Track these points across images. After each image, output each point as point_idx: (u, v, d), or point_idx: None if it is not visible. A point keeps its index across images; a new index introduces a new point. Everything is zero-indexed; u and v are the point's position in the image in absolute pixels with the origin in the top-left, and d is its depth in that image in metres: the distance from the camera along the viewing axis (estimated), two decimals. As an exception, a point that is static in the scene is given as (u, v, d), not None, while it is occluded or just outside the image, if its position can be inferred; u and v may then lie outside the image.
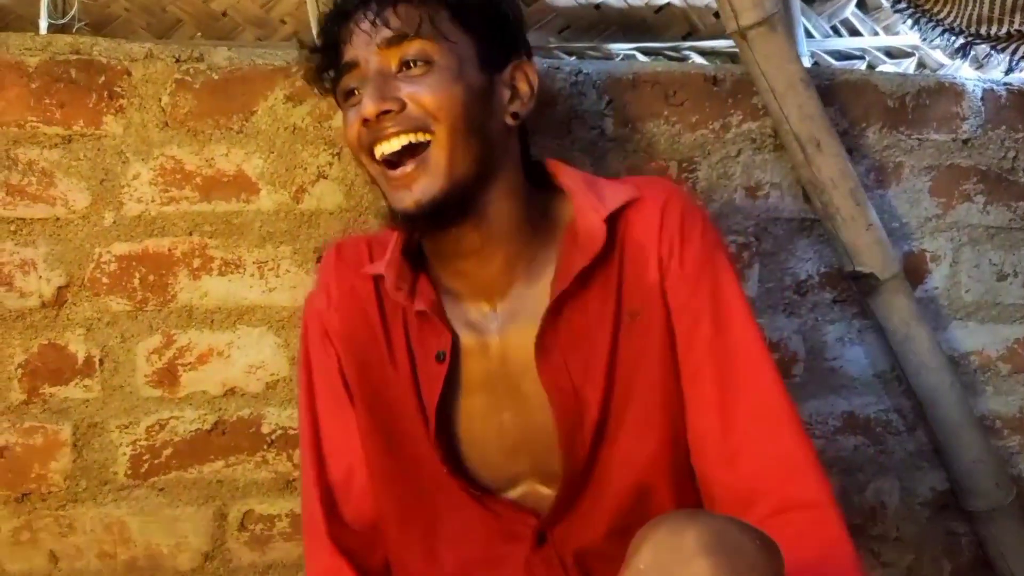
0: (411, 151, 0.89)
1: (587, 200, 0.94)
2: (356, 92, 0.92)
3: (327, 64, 0.98)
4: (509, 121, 0.94)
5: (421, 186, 0.88)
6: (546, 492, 0.96)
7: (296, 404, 1.21)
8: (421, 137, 0.88)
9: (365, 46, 0.91)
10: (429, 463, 0.95)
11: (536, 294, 0.94)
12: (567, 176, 0.97)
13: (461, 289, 0.97)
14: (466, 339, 0.96)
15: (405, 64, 0.90)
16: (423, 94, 0.88)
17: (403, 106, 0.88)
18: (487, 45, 0.93)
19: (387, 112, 0.88)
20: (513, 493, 0.98)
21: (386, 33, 0.90)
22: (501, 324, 0.95)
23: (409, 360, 0.97)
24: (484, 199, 0.92)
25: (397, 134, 0.88)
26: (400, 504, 0.97)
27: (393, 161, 0.90)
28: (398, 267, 0.96)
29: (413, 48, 0.90)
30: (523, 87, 0.96)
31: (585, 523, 0.95)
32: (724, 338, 0.91)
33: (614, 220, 0.93)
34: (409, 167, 0.89)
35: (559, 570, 0.95)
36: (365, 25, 0.90)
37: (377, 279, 0.99)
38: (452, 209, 0.90)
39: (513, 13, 0.98)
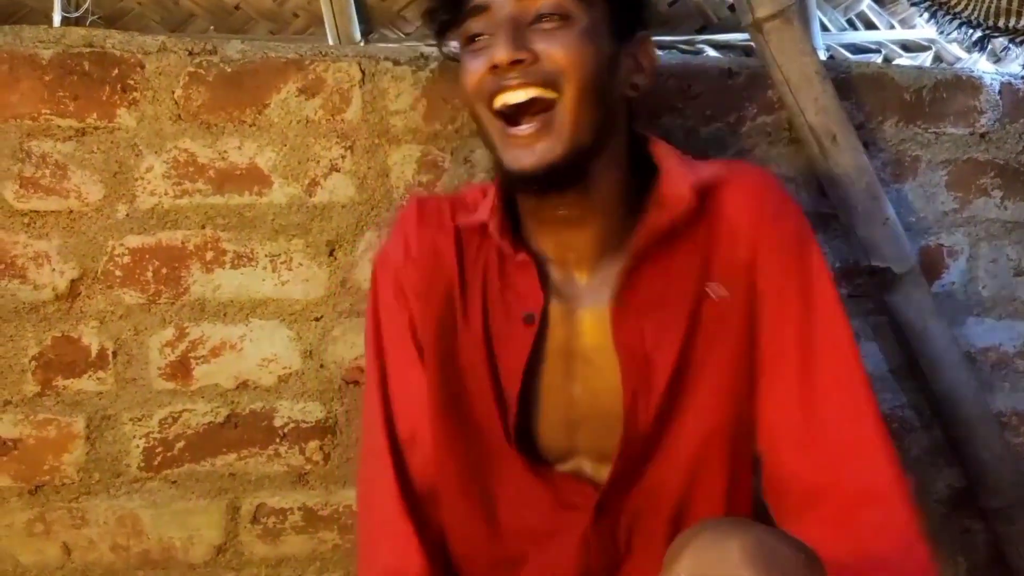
0: (532, 108, 0.87)
1: (676, 170, 0.93)
2: (481, 37, 0.89)
3: (447, 3, 0.94)
4: (629, 92, 0.94)
5: (543, 147, 0.87)
6: (595, 468, 0.96)
7: (309, 397, 1.22)
8: (548, 93, 0.86)
9: None
10: (491, 430, 0.94)
11: (621, 263, 0.93)
12: (664, 151, 0.96)
13: (550, 254, 0.96)
14: (552, 303, 0.95)
15: (540, 16, 0.87)
16: (557, 49, 0.86)
17: (535, 58, 0.86)
18: (620, 13, 0.92)
19: (519, 62, 0.86)
20: (565, 467, 0.97)
21: None
22: (583, 293, 0.95)
23: (483, 319, 0.95)
24: (595, 168, 0.91)
25: (525, 85, 0.86)
26: (462, 469, 0.96)
27: (510, 116, 0.88)
28: (501, 215, 0.95)
29: (552, 0, 0.87)
30: (645, 61, 0.96)
31: (641, 498, 0.94)
32: (812, 324, 0.91)
33: (704, 194, 0.93)
34: (531, 126, 0.87)
35: (611, 543, 0.95)
36: None
37: (460, 236, 0.97)
38: (567, 174, 0.89)
39: None
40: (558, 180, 0.89)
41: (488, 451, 0.95)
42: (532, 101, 0.86)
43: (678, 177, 0.93)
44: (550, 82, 0.86)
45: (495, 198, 0.95)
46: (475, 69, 0.89)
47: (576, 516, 0.94)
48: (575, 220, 0.93)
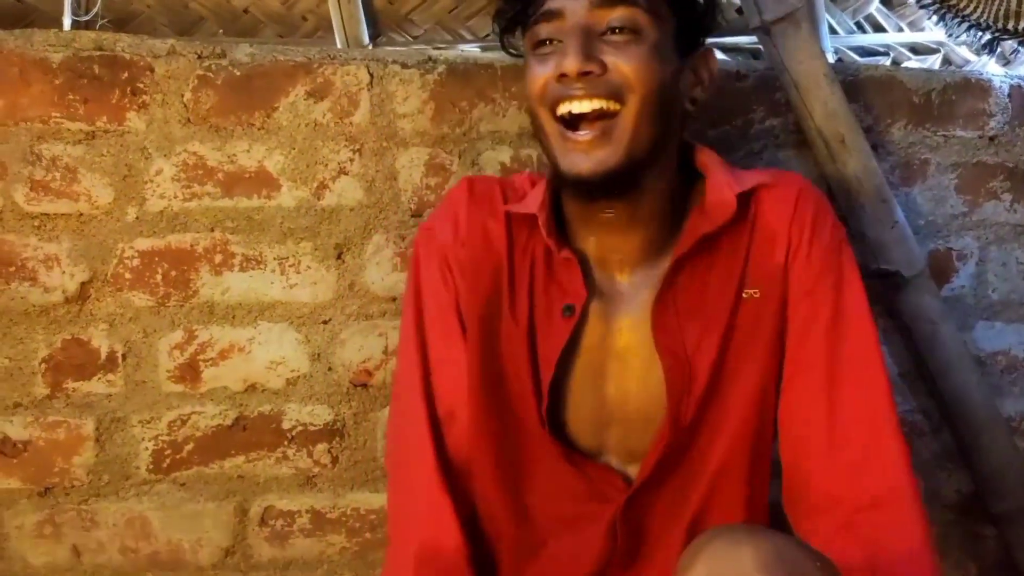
0: (592, 115, 0.88)
1: (722, 177, 0.95)
2: (551, 43, 0.90)
3: (520, 3, 0.94)
4: (688, 106, 0.96)
5: (600, 155, 0.88)
6: (622, 469, 0.97)
7: (316, 400, 1.22)
8: (612, 106, 0.88)
9: (569, 1, 0.89)
10: (528, 416, 0.95)
11: (661, 267, 0.95)
12: (709, 159, 0.98)
13: (593, 254, 0.97)
14: (593, 301, 0.96)
15: (612, 28, 0.88)
16: (626, 63, 0.87)
17: (604, 70, 0.87)
18: (687, 28, 0.93)
19: (588, 73, 0.86)
20: (597, 462, 0.98)
21: None
22: (623, 295, 0.96)
23: (529, 311, 0.96)
24: (647, 177, 0.92)
25: (590, 96, 0.87)
26: (495, 452, 0.96)
27: (570, 121, 0.89)
28: (548, 212, 0.95)
29: (625, 14, 0.88)
30: (705, 74, 0.97)
31: (669, 495, 0.95)
32: (842, 331, 0.93)
33: (746, 200, 0.94)
34: (591, 133, 0.88)
35: (636, 538, 0.96)
36: None
37: (510, 222, 0.98)
38: (621, 182, 0.90)
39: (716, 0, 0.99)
40: (611, 187, 0.90)
41: (523, 436, 0.96)
42: (594, 110, 0.88)
43: (723, 185, 0.94)
44: (615, 94, 0.87)
45: (544, 193, 0.96)
46: (541, 74, 0.90)
47: (605, 508, 0.95)
48: (621, 225, 0.94)
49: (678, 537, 0.94)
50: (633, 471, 0.96)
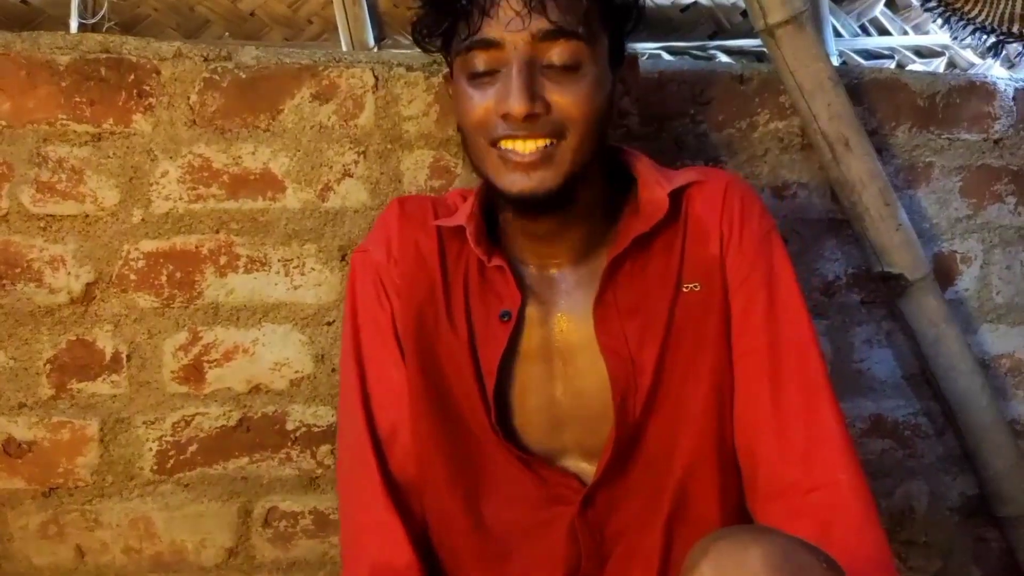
0: None
1: (653, 178, 0.96)
2: (490, 74, 0.88)
3: (443, 18, 0.91)
4: (617, 120, 0.97)
5: (541, 177, 0.88)
6: (585, 467, 0.97)
7: (321, 401, 1.23)
8: (554, 142, 0.88)
9: (513, 29, 0.86)
10: (478, 425, 0.95)
11: (595, 266, 0.96)
12: (638, 160, 0.99)
13: (529, 257, 0.98)
14: (530, 305, 0.96)
15: (553, 64, 0.87)
16: (569, 103, 0.87)
17: (548, 110, 0.87)
18: (618, 42, 0.94)
19: (534, 115, 0.86)
20: (554, 464, 0.98)
21: (544, 25, 0.85)
22: (561, 296, 0.97)
23: (467, 321, 0.96)
24: (580, 189, 0.92)
25: (534, 137, 0.87)
26: (447, 464, 0.97)
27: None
28: (477, 222, 0.96)
29: (567, 49, 0.87)
30: (631, 81, 0.98)
31: (628, 493, 0.95)
32: (776, 317, 0.94)
33: (678, 197, 0.95)
34: (533, 156, 0.88)
35: (599, 537, 0.96)
36: (518, 5, 0.85)
37: (442, 236, 0.99)
38: (560, 199, 0.91)
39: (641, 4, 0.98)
40: (550, 204, 0.91)
41: (475, 445, 0.96)
42: (537, 148, 0.88)
43: (654, 185, 0.95)
44: (557, 132, 0.88)
45: (474, 205, 0.97)
46: (480, 104, 0.88)
47: (563, 510, 0.95)
48: (555, 232, 0.95)
49: (655, 538, 0.94)
50: (591, 470, 0.96)
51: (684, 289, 0.94)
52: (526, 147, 0.87)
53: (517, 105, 0.85)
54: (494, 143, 0.89)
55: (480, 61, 0.88)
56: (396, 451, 0.98)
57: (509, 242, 0.99)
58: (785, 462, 0.90)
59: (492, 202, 0.99)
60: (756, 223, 0.96)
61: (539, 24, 0.85)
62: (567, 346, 0.96)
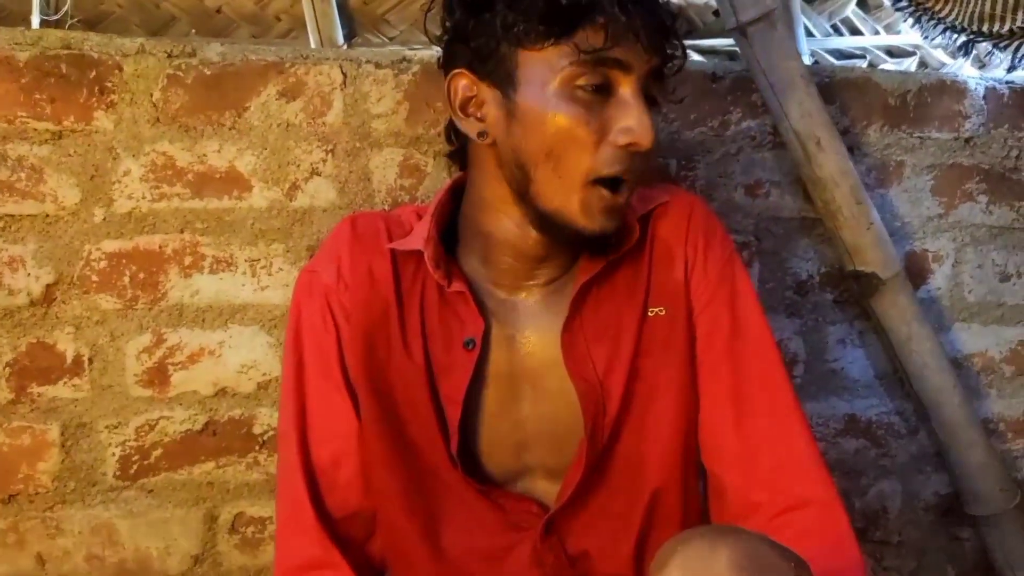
0: None
1: None
2: (599, 92, 0.84)
3: (568, 22, 0.82)
4: None
5: (620, 218, 0.88)
6: (548, 486, 0.95)
7: (288, 404, 1.20)
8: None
9: (638, 56, 0.83)
10: (433, 453, 0.93)
11: (563, 290, 0.94)
12: None
13: (496, 280, 0.95)
14: (493, 328, 0.94)
15: (650, 98, 0.87)
16: (658, 139, 0.86)
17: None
18: None
19: (650, 149, 0.84)
20: (515, 487, 0.96)
21: (658, 62, 0.86)
22: (526, 317, 0.95)
23: (423, 347, 0.93)
24: None
25: (634, 172, 0.86)
26: (404, 493, 0.94)
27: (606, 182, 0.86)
28: (435, 246, 0.93)
29: (662, 89, 0.88)
30: None
31: (592, 516, 0.94)
32: (741, 340, 0.94)
33: (644, 220, 0.95)
34: (623, 196, 0.87)
35: (563, 560, 0.94)
36: (646, 36, 0.83)
37: (396, 258, 0.95)
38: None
39: None
40: (604, 246, 0.91)
41: (431, 474, 0.94)
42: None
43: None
44: (641, 172, 0.87)
45: (431, 226, 0.93)
46: (591, 125, 0.83)
47: (523, 536, 0.94)
48: (552, 255, 0.93)
49: (625, 559, 0.93)
50: (554, 491, 0.94)
51: (650, 313, 0.94)
52: (629, 183, 0.86)
53: (648, 135, 0.83)
54: (598, 179, 0.84)
55: (599, 77, 0.83)
56: (339, 484, 0.95)
57: (479, 263, 0.95)
58: (752, 485, 0.90)
59: (450, 223, 0.97)
60: (719, 247, 0.97)
61: (658, 59, 0.86)
62: (532, 368, 0.94)
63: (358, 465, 0.96)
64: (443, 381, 0.93)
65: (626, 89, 0.84)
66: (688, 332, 0.94)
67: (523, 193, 0.87)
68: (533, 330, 0.94)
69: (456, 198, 0.98)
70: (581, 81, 0.83)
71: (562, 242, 0.90)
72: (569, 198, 0.85)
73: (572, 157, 0.84)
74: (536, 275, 0.95)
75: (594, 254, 0.92)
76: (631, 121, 0.83)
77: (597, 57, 0.82)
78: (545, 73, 0.84)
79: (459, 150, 0.99)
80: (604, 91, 0.84)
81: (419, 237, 0.93)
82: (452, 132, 0.99)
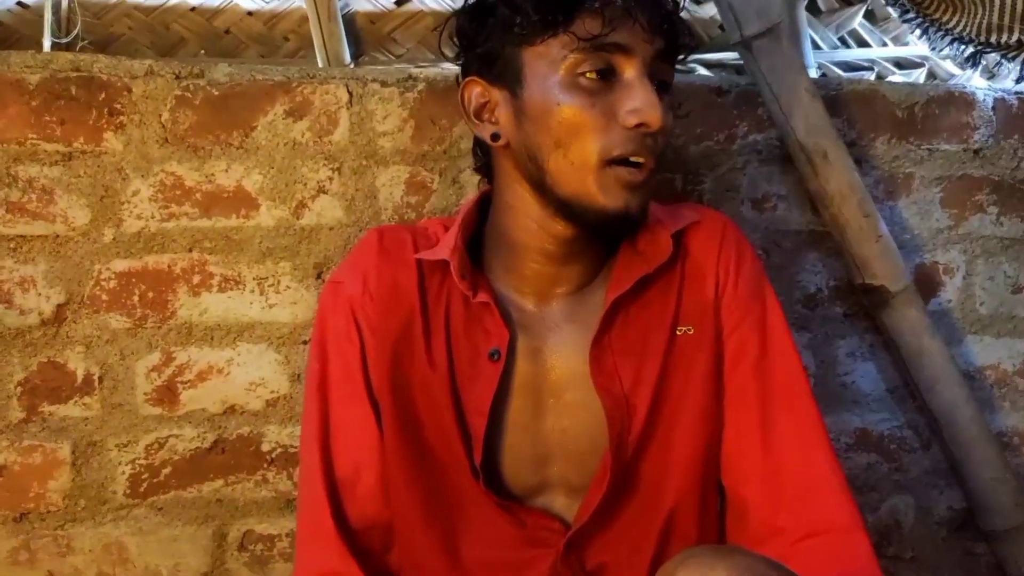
0: None
1: (652, 217, 0.94)
2: (599, 76, 0.84)
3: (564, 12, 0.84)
4: None
5: (642, 197, 0.87)
6: (566, 503, 0.95)
7: (297, 421, 1.21)
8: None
9: (640, 39, 0.84)
10: (455, 464, 0.93)
11: (590, 302, 0.94)
12: None
13: (522, 289, 0.95)
14: (519, 340, 0.94)
15: (660, 82, 0.87)
16: (669, 121, 0.86)
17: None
18: None
19: (660, 130, 0.84)
20: (535, 501, 0.96)
21: (664, 44, 0.86)
22: (552, 328, 0.95)
23: (448, 358, 0.94)
24: None
25: (652, 154, 0.85)
26: (422, 504, 0.94)
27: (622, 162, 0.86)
28: (461, 256, 0.93)
29: (671, 71, 0.89)
30: None
31: (611, 533, 0.94)
32: (769, 362, 0.94)
33: (678, 238, 0.95)
34: (644, 174, 0.86)
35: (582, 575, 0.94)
36: (654, 18, 0.84)
37: (422, 270, 0.95)
38: (638, 223, 0.90)
39: None
40: (633, 226, 0.90)
41: (452, 486, 0.94)
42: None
43: (655, 224, 0.94)
44: (658, 155, 0.87)
45: (458, 236, 0.94)
46: (597, 111, 0.84)
47: (543, 552, 0.94)
48: (577, 256, 0.93)
49: (636, 567, 0.93)
50: (574, 507, 0.94)
51: (678, 332, 0.94)
52: (642, 172, 0.85)
53: (656, 115, 0.82)
54: (610, 161, 0.85)
55: (601, 62, 0.84)
56: (359, 494, 0.96)
57: (504, 272, 0.96)
58: (776, 509, 0.90)
59: (477, 234, 0.97)
60: (750, 268, 0.97)
61: (662, 42, 0.86)
62: (558, 381, 0.94)
63: (379, 476, 0.96)
64: (467, 392, 0.93)
65: (631, 72, 0.85)
66: (715, 352, 0.94)
67: (540, 186, 0.88)
68: (559, 342, 0.94)
69: (483, 210, 0.99)
70: (583, 68, 0.84)
71: (589, 229, 0.90)
72: (584, 181, 0.86)
73: (581, 143, 0.85)
74: (562, 280, 0.94)
75: (602, 235, 0.91)
76: (637, 102, 0.83)
77: (597, 43, 0.83)
78: (548, 66, 0.85)
79: (485, 163, 1.00)
80: (609, 76, 0.85)
81: (445, 247, 0.94)
82: (477, 145, 1.01)
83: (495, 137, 0.91)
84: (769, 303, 0.97)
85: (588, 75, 0.84)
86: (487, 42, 0.89)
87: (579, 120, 0.84)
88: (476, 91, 0.92)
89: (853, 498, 0.91)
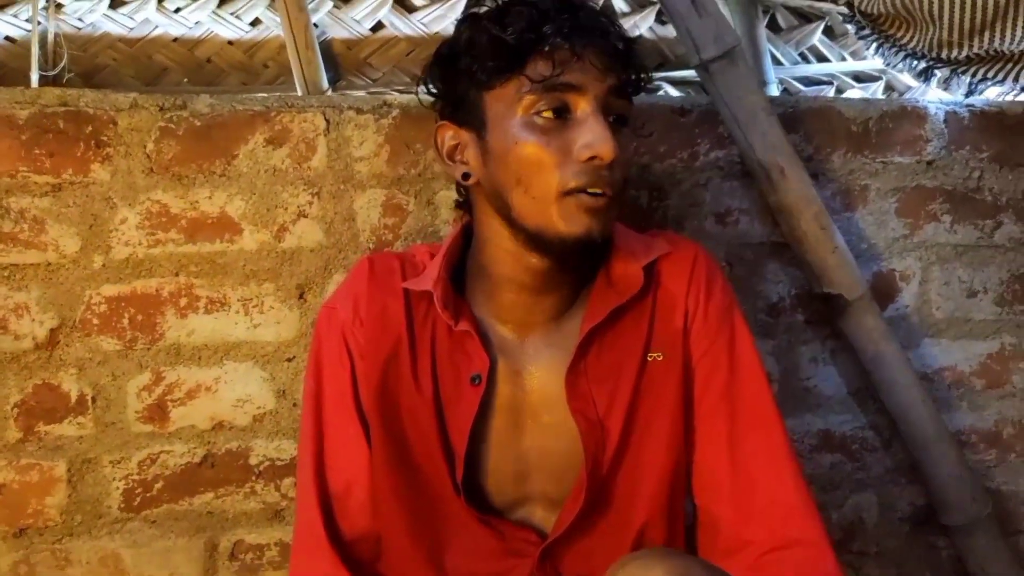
0: None
1: (626, 248, 0.99)
2: (559, 117, 0.89)
3: (516, 58, 0.89)
4: None
5: (603, 222, 0.90)
6: (544, 515, 1.01)
7: (283, 435, 1.26)
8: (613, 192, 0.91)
9: (591, 78, 0.89)
10: (439, 482, 0.98)
11: (566, 329, 0.99)
12: (617, 228, 1.01)
13: (502, 317, 1.00)
14: (500, 364, 0.99)
15: (616, 116, 0.91)
16: (626, 155, 0.91)
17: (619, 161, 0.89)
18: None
19: (614, 162, 0.88)
20: (516, 514, 1.02)
21: (616, 81, 0.90)
22: (531, 354, 1.00)
23: (433, 382, 0.99)
24: None
25: (609, 186, 0.89)
26: (409, 518, 1.00)
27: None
28: (444, 287, 0.98)
29: (627, 105, 0.93)
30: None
31: (585, 546, 0.99)
32: (738, 384, 0.99)
33: (649, 268, 0.99)
34: (604, 200, 0.90)
35: None
36: (603, 58, 0.89)
37: (409, 297, 1.01)
38: (600, 249, 0.95)
39: None
40: (593, 252, 0.95)
41: (436, 501, 0.99)
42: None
43: (628, 256, 0.99)
44: (616, 185, 0.91)
45: (441, 267, 0.99)
46: (553, 147, 0.89)
47: (522, 562, 0.99)
48: (552, 287, 0.98)
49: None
50: (552, 520, 1.00)
51: (649, 358, 0.99)
52: (596, 202, 0.89)
53: (608, 147, 0.86)
54: (568, 192, 0.89)
55: (555, 101, 0.89)
56: (350, 509, 1.02)
57: (485, 301, 1.01)
58: (745, 523, 0.95)
59: (460, 262, 1.03)
60: (719, 297, 1.01)
61: (614, 78, 0.90)
62: (536, 403, 0.99)
63: (369, 491, 1.02)
64: (451, 413, 0.99)
65: (583, 109, 0.90)
66: (683, 377, 0.99)
67: (510, 221, 0.94)
68: (537, 367, 1.00)
69: (467, 238, 1.04)
70: (538, 108, 0.90)
71: (559, 259, 0.94)
72: (546, 212, 0.90)
73: (540, 178, 0.90)
74: (539, 310, 0.99)
75: (560, 261, 0.94)
76: (589, 137, 0.88)
77: (549, 84, 0.89)
78: (507, 108, 0.91)
79: (466, 199, 1.05)
80: (564, 114, 0.90)
81: (429, 278, 0.99)
82: (456, 183, 1.06)
83: (466, 176, 0.97)
84: (738, 328, 1.01)
85: (544, 114, 0.89)
86: (454, 88, 0.96)
87: (537, 158, 0.89)
88: (448, 134, 0.98)
89: (818, 512, 0.96)
